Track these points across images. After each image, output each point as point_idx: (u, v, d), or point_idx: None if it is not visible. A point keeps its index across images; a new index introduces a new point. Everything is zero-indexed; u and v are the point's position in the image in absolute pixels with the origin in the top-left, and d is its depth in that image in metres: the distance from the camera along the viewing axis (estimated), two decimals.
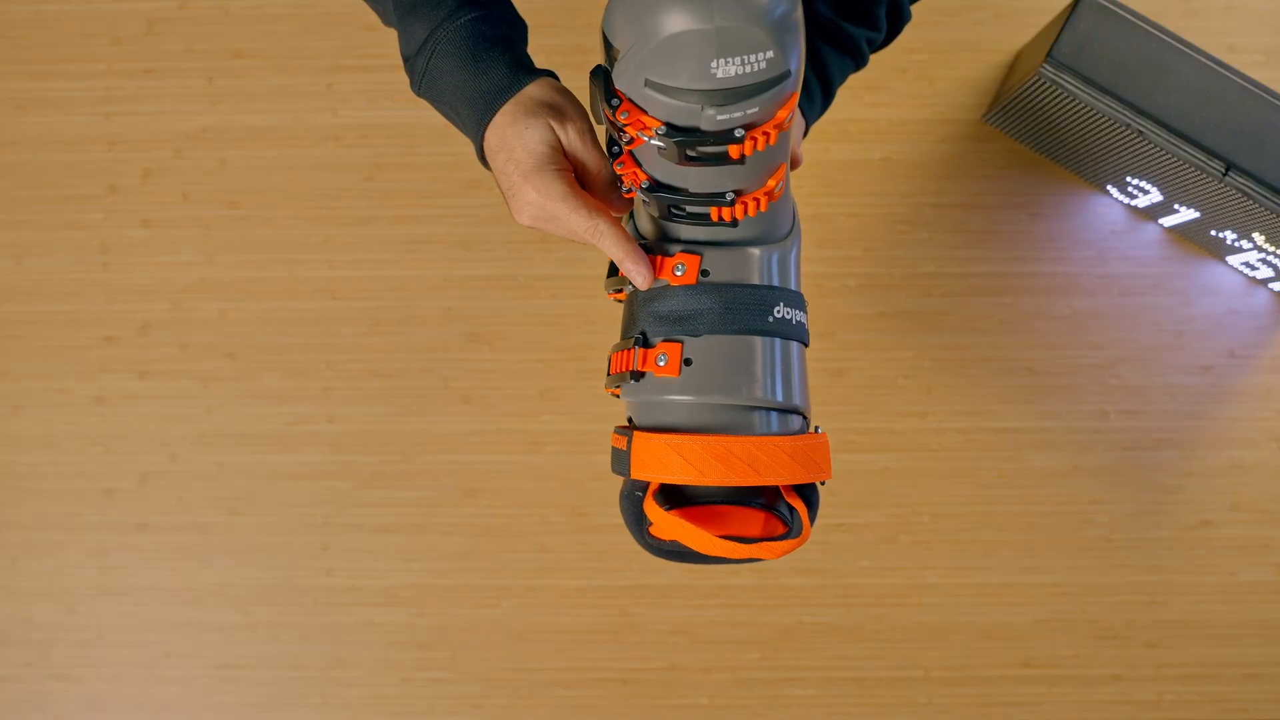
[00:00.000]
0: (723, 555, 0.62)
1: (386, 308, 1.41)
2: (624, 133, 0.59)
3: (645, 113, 0.58)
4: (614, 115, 0.58)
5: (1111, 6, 1.13)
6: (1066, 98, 1.15)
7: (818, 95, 0.80)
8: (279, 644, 1.42)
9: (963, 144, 1.39)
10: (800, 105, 0.76)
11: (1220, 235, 1.28)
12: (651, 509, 0.64)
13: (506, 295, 1.40)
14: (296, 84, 1.41)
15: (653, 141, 0.59)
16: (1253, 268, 1.33)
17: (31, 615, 1.43)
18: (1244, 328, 1.38)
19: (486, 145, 0.67)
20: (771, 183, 0.62)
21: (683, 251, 0.65)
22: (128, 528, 1.42)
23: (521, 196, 0.65)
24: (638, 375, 0.65)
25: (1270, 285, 1.36)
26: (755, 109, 0.56)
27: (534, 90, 0.66)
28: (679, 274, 0.65)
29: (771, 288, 0.65)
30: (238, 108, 1.42)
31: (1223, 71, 1.12)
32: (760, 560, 0.63)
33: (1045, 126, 1.27)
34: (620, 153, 0.62)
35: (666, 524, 0.63)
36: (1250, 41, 1.37)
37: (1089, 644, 1.39)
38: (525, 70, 0.66)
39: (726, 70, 0.54)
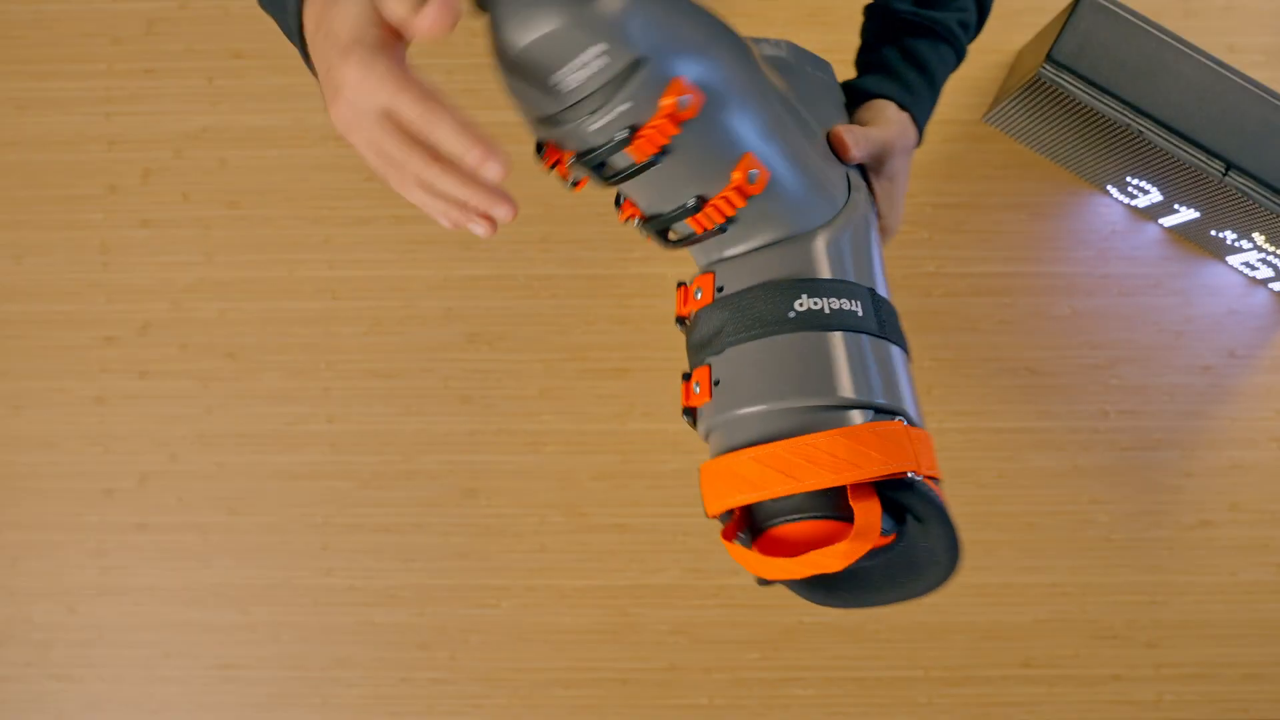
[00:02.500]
0: (783, 576, 0.56)
1: (386, 308, 1.41)
2: (565, 176, 0.59)
3: (559, 149, 0.57)
4: (546, 165, 0.58)
5: (1111, 6, 1.13)
6: (1066, 98, 1.15)
7: (920, 87, 0.73)
8: (279, 644, 1.42)
9: (963, 144, 1.39)
10: (901, 99, 0.71)
11: (1220, 235, 1.28)
12: (732, 550, 0.58)
13: (506, 295, 1.40)
14: (296, 84, 1.41)
15: (574, 173, 0.57)
16: (1253, 268, 1.33)
17: (31, 615, 1.43)
18: (1244, 328, 1.38)
19: (306, 32, 0.57)
20: (737, 175, 0.58)
21: (699, 274, 0.62)
22: (128, 528, 1.42)
23: (339, 77, 0.53)
24: (690, 414, 0.61)
25: (1270, 285, 1.36)
26: (626, 104, 0.53)
27: None
28: (699, 297, 0.62)
29: (793, 281, 0.59)
30: (238, 108, 1.42)
31: (1223, 71, 1.12)
32: (837, 569, 0.55)
33: (1045, 126, 1.27)
34: (573, 189, 0.61)
35: (739, 558, 0.58)
36: (1250, 41, 1.37)
37: (1089, 644, 1.39)
38: None
39: (570, 81, 0.52)
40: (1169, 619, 1.38)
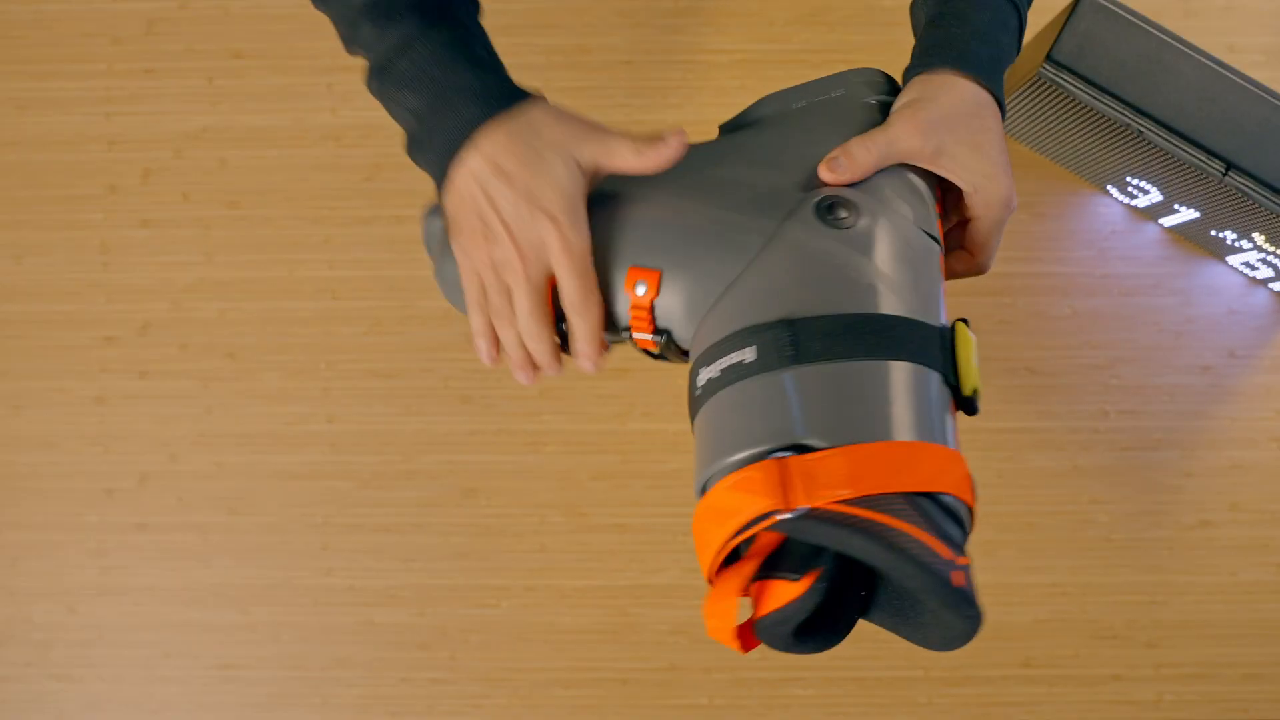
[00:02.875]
0: (740, 650, 0.54)
1: (386, 308, 1.41)
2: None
3: None
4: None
5: (1111, 6, 1.13)
6: (1066, 98, 1.15)
7: (962, 40, 0.64)
8: (279, 644, 1.42)
9: None
10: (933, 63, 0.63)
11: (1220, 235, 1.28)
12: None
13: None
14: (296, 84, 1.41)
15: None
16: (1253, 268, 1.33)
17: (31, 615, 1.43)
18: (1244, 328, 1.38)
19: (482, 151, 0.57)
20: (628, 294, 0.59)
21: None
22: (128, 528, 1.42)
23: (527, 233, 0.56)
24: None
25: (1270, 285, 1.36)
26: None
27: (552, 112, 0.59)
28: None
29: (696, 359, 0.57)
30: (238, 108, 1.42)
31: (1223, 71, 1.12)
32: (731, 627, 0.52)
33: (1045, 126, 1.27)
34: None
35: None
36: (1250, 41, 1.37)
37: (1089, 644, 1.39)
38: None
39: None
40: (1169, 619, 1.38)
